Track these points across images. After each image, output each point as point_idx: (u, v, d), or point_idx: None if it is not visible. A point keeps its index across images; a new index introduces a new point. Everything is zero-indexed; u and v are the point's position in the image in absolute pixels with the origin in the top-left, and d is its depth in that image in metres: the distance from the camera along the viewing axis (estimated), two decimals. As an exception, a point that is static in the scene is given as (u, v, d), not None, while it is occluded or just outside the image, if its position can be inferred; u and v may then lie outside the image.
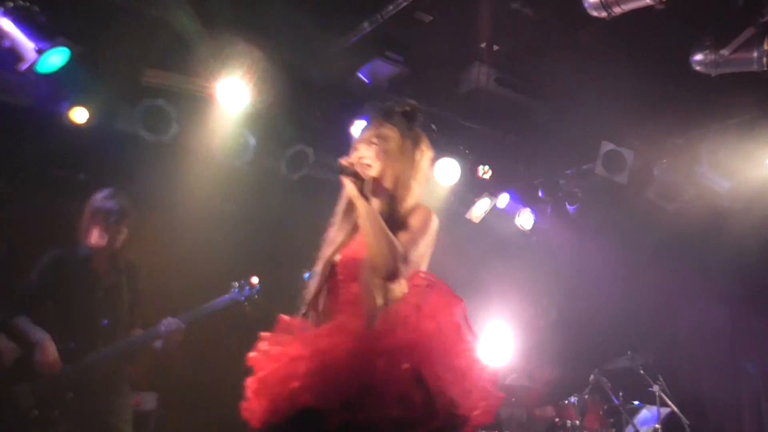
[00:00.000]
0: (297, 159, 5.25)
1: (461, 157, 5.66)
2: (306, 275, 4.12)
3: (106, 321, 3.70)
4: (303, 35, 4.61)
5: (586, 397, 5.11)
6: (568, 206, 6.11)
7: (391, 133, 2.41)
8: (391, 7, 4.24)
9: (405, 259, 2.19)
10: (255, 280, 3.92)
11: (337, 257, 2.36)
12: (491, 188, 5.97)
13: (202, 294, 4.04)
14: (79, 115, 4.58)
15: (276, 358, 2.09)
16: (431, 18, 4.44)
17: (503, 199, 6.13)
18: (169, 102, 4.69)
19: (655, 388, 5.03)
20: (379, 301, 2.20)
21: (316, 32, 4.62)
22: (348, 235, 2.42)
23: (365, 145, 2.41)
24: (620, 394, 5.12)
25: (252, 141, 5.04)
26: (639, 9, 3.70)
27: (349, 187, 2.30)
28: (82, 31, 4.19)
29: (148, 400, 4.69)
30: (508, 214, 6.28)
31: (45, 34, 3.89)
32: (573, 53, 4.73)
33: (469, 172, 5.74)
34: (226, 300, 3.85)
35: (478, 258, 6.43)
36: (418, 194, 2.45)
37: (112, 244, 3.81)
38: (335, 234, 2.46)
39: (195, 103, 4.81)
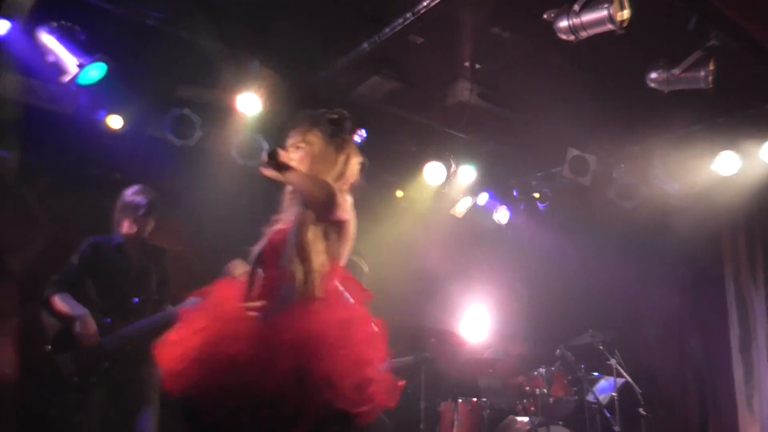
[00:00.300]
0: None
1: (447, 161, 5.64)
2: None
3: (137, 299, 3.69)
4: (310, 55, 4.59)
5: (553, 368, 5.11)
6: (539, 204, 6.11)
7: (314, 138, 2.30)
8: (387, 30, 4.22)
9: (333, 192, 2.11)
10: None
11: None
12: (473, 188, 5.96)
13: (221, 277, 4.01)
14: (115, 121, 4.55)
15: (182, 331, 1.97)
16: (423, 40, 4.41)
17: (483, 198, 6.13)
18: (194, 111, 4.69)
19: (612, 361, 5.03)
20: (295, 288, 2.03)
21: (321, 52, 4.60)
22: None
23: (292, 149, 2.31)
24: (582, 366, 5.11)
25: (265, 145, 5.02)
26: (602, 33, 3.69)
27: (269, 172, 2.21)
28: (118, 48, 4.15)
29: None
30: (487, 210, 6.27)
31: (85, 50, 3.86)
32: (545, 71, 4.72)
33: (454, 174, 5.73)
34: None
35: (460, 249, 6.43)
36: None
37: (142, 233, 3.80)
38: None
39: (216, 112, 4.79)
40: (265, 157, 2.22)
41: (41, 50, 3.77)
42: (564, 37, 3.81)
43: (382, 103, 5.06)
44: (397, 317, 4.60)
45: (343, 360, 1.88)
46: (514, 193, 6.32)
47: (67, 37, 3.80)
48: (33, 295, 4.45)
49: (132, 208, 3.75)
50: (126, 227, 3.77)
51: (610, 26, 3.60)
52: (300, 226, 2.09)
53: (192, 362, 1.85)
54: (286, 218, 2.25)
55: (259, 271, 2.16)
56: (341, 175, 2.31)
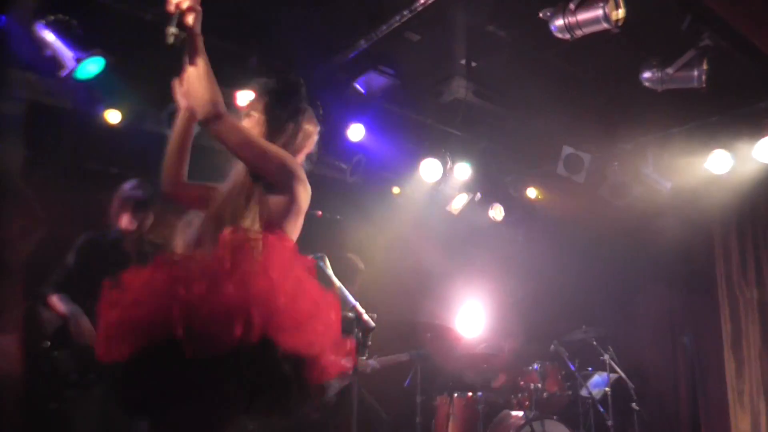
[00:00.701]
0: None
1: (443, 158, 5.68)
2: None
3: None
4: (309, 50, 4.62)
5: (547, 364, 5.16)
6: (533, 201, 6.17)
7: (263, 105, 2.23)
8: (384, 27, 4.25)
9: (219, 103, 1.96)
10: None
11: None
12: (468, 185, 6.00)
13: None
14: (112, 116, 4.53)
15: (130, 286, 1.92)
16: (419, 37, 4.45)
17: (478, 195, 6.17)
18: (193, 106, 4.68)
19: (606, 357, 5.10)
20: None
21: (318, 48, 4.63)
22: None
23: (246, 117, 2.24)
24: (576, 361, 5.17)
25: (263, 140, 5.03)
26: (597, 32, 3.74)
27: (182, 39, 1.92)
28: (115, 42, 4.15)
29: None
30: (482, 207, 6.32)
31: (83, 44, 3.85)
32: (540, 70, 4.77)
33: (449, 171, 5.77)
34: None
35: (456, 245, 6.47)
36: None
37: (140, 228, 3.76)
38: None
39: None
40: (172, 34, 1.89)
41: (38, 44, 3.77)
42: (559, 35, 3.85)
43: (378, 99, 5.09)
44: (394, 313, 4.68)
45: (293, 302, 1.79)
46: (509, 190, 6.37)
47: (64, 32, 3.79)
48: (31, 290, 4.47)
49: (131, 203, 3.72)
50: (125, 222, 3.73)
51: (605, 25, 3.65)
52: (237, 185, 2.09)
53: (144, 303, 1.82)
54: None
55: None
56: (290, 143, 2.21)
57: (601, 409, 4.99)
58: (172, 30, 1.87)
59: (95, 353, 1.85)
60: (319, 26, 4.36)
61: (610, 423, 4.89)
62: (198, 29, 1.93)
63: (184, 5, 1.89)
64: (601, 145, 5.55)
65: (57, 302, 3.53)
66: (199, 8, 1.92)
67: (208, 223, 2.08)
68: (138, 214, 3.73)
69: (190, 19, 1.90)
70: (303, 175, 2.15)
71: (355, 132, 5.24)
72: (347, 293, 3.69)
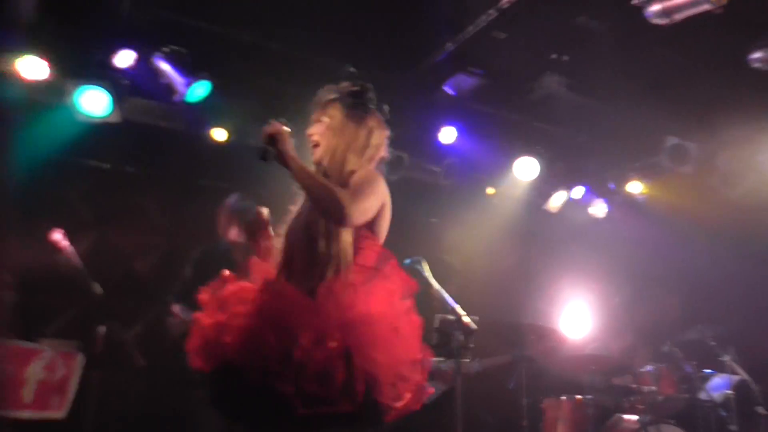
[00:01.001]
0: (394, 163, 5.33)
1: (539, 156, 5.59)
2: (407, 262, 4.22)
3: None
4: (398, 56, 4.72)
5: (661, 365, 4.91)
6: (636, 196, 5.92)
7: (334, 111, 2.22)
8: (471, 28, 4.28)
9: (347, 200, 1.94)
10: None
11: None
12: (566, 182, 5.86)
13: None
14: (219, 134, 4.84)
15: (223, 306, 1.98)
16: (506, 35, 4.43)
17: (578, 191, 6.01)
18: (289, 120, 4.87)
19: (726, 357, 4.78)
20: (330, 268, 1.97)
21: (408, 53, 4.72)
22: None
23: (315, 124, 2.24)
24: (692, 363, 4.89)
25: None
26: (698, 14, 3.57)
27: (273, 155, 2.03)
28: (219, 65, 4.47)
29: None
30: (582, 204, 6.14)
31: (191, 70, 4.19)
32: (636, 58, 4.59)
33: (546, 169, 5.66)
34: None
35: (557, 244, 6.34)
36: (358, 165, 2.19)
37: (245, 239, 3.96)
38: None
39: (310, 120, 4.98)
40: (261, 152, 2.06)
41: (156, 74, 4.15)
42: (656, 21, 3.71)
43: (468, 100, 5.10)
44: (495, 314, 4.65)
45: (389, 351, 1.81)
46: (610, 186, 6.14)
47: (176, 60, 4.14)
48: (155, 297, 4.87)
49: (238, 216, 3.91)
50: (233, 234, 3.93)
51: (706, 6, 3.48)
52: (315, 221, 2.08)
53: (239, 334, 1.85)
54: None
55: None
56: (363, 150, 2.21)
57: (723, 413, 4.68)
58: (267, 148, 2.06)
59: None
60: (407, 31, 4.45)
61: (733, 428, 4.57)
62: (286, 149, 2.05)
63: (269, 131, 2.06)
64: (709, 133, 5.24)
65: (180, 312, 3.79)
66: (285, 131, 2.08)
67: (299, 243, 2.11)
68: (246, 227, 3.92)
69: (278, 141, 2.05)
70: (382, 187, 2.18)
71: (447, 135, 5.28)
72: (447, 295, 3.72)
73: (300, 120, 5.13)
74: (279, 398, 1.71)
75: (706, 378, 4.97)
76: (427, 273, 4.14)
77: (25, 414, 3.20)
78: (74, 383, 3.32)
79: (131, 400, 4.73)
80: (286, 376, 1.72)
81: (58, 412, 3.24)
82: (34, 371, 3.27)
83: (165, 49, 4.10)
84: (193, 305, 3.73)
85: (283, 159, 2.02)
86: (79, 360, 3.39)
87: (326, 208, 1.97)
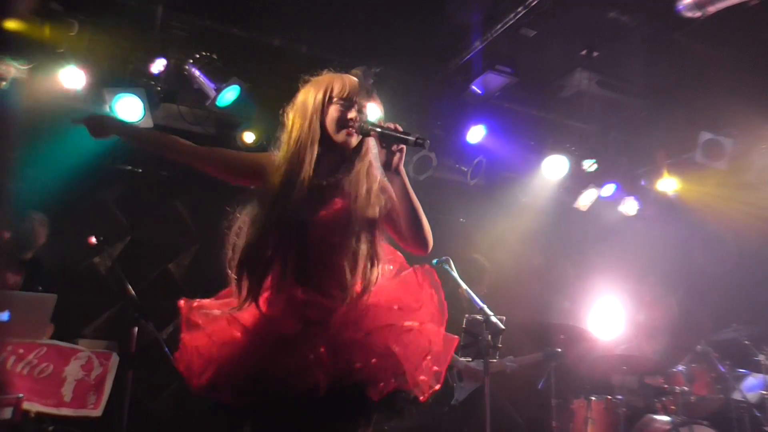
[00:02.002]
0: (422, 163, 5.31)
1: (568, 153, 5.49)
2: (434, 262, 4.19)
3: None
4: (426, 57, 4.69)
5: (694, 365, 4.79)
6: (669, 193, 5.76)
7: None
8: (499, 26, 4.22)
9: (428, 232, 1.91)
10: (390, 266, 3.97)
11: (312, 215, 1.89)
12: (596, 179, 5.75)
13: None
14: (248, 137, 4.89)
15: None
16: (535, 33, 4.36)
17: (608, 189, 5.88)
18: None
19: (761, 357, 4.63)
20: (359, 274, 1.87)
21: (436, 54, 4.68)
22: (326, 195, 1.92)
23: (355, 108, 1.95)
24: (726, 363, 4.75)
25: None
26: (732, 6, 3.44)
27: (397, 156, 1.87)
28: (248, 69, 4.50)
29: None
30: (613, 202, 6.01)
31: (221, 75, 4.23)
32: (668, 53, 4.49)
33: (575, 166, 5.56)
34: None
35: (587, 242, 6.23)
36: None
37: None
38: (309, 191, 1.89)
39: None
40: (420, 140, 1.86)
41: (188, 80, 4.20)
42: (689, 14, 3.61)
43: (497, 99, 5.04)
44: (524, 314, 4.60)
45: (416, 347, 1.78)
46: (642, 183, 6.00)
47: (206, 66, 4.19)
48: (189, 297, 4.94)
49: None
50: None
51: (741, -3, 3.36)
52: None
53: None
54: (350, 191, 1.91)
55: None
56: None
57: (758, 414, 4.53)
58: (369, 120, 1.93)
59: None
60: (435, 32, 4.42)
61: (769, 429, 4.43)
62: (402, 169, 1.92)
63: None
64: (745, 128, 5.08)
65: None
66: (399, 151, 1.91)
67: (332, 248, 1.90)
68: None
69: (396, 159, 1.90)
70: None
71: (475, 134, 5.22)
72: (474, 296, 3.69)
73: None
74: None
75: (741, 378, 4.84)
76: (455, 273, 4.11)
77: (65, 411, 3.27)
78: (110, 382, 3.39)
79: (164, 398, 4.82)
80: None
81: (95, 410, 3.31)
82: (73, 370, 3.34)
83: (196, 56, 4.15)
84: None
85: (401, 167, 1.91)
86: (114, 359, 3.45)
87: (423, 226, 1.92)
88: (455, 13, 4.27)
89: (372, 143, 1.97)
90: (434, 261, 4.17)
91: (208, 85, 4.18)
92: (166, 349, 3.52)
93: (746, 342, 4.75)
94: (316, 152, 1.90)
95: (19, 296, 3.24)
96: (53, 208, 4.55)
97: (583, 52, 4.64)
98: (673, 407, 4.65)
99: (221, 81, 4.20)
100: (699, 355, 4.88)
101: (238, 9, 4.20)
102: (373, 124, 1.91)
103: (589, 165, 5.62)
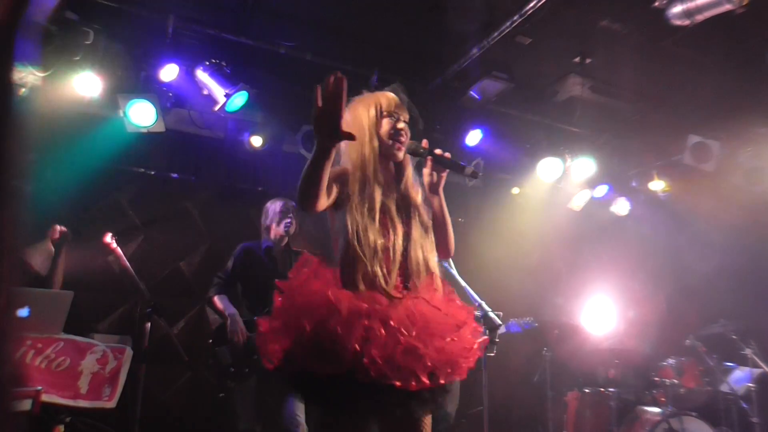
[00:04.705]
0: (421, 165, 5.29)
1: (562, 156, 5.48)
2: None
3: None
4: (424, 63, 4.68)
5: (683, 359, 4.78)
6: (659, 194, 5.75)
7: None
8: (495, 34, 4.21)
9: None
10: None
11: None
12: (589, 181, 5.73)
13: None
14: (256, 141, 4.89)
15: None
16: (530, 40, 4.35)
17: (601, 190, 5.87)
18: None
19: (748, 351, 4.63)
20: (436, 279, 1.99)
21: (434, 60, 4.68)
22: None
23: (402, 120, 2.07)
24: (714, 356, 4.74)
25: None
26: (719, 15, 3.44)
27: (442, 179, 2.05)
28: (255, 76, 4.50)
29: None
30: (605, 202, 6.00)
31: (230, 82, 4.23)
32: (659, 59, 4.47)
33: (569, 169, 5.55)
34: None
35: (580, 242, 6.21)
36: None
37: (286, 237, 3.99)
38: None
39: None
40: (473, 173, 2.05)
41: (198, 86, 4.20)
42: (678, 22, 3.60)
43: (493, 103, 5.03)
44: (519, 311, 4.58)
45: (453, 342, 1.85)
46: (633, 184, 5.98)
47: (216, 72, 4.19)
48: (198, 295, 4.94)
49: (276, 217, 3.97)
50: (272, 233, 3.99)
51: (728, 6, 3.35)
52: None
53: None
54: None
55: None
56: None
57: (745, 406, 4.52)
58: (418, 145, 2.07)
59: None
60: (434, 40, 4.41)
61: (755, 420, 4.42)
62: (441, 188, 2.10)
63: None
64: (731, 131, 5.06)
65: (219, 302, 3.84)
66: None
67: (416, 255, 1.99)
68: (283, 226, 3.96)
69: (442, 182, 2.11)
70: None
71: (473, 137, 5.22)
72: (472, 292, 3.68)
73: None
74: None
75: (728, 371, 4.83)
76: (454, 270, 4.11)
77: (82, 403, 3.26)
78: (123, 375, 3.38)
79: (175, 391, 4.82)
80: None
81: (109, 402, 3.30)
82: (89, 364, 3.34)
83: (206, 63, 4.15)
84: (231, 296, 3.82)
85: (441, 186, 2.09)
86: (128, 353, 3.45)
87: (451, 238, 2.12)
88: (454, 22, 4.26)
89: (409, 161, 2.12)
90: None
91: (218, 90, 4.18)
92: (177, 343, 3.53)
93: (733, 336, 4.75)
94: (377, 162, 2.02)
95: (37, 293, 3.24)
96: (70, 209, 4.56)
97: (577, 59, 4.63)
98: (663, 399, 4.64)
99: (230, 87, 4.19)
100: (688, 349, 4.88)
101: (245, 19, 4.20)
102: (431, 151, 2.07)
103: (582, 167, 5.61)
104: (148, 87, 4.21)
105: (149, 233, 4.98)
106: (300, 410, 3.69)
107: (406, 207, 2.04)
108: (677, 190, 5.70)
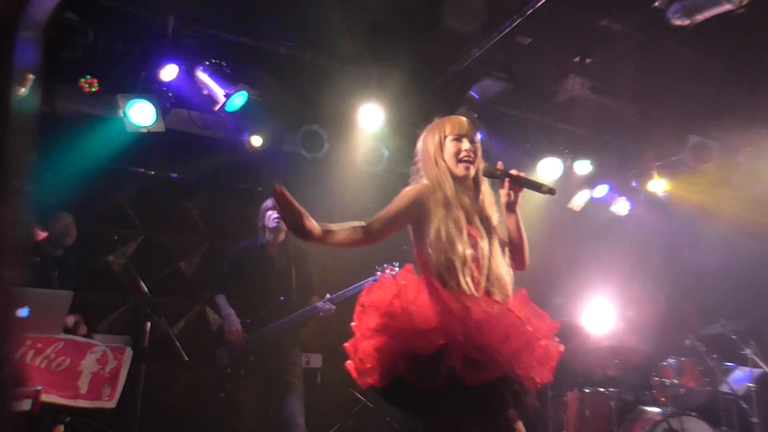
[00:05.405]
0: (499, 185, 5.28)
1: (562, 156, 5.48)
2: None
3: (283, 297, 3.83)
4: (425, 64, 4.67)
5: (683, 359, 4.77)
6: (659, 194, 5.74)
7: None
8: (495, 34, 4.20)
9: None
10: (396, 263, 3.98)
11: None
12: (589, 181, 5.73)
13: (353, 274, 4.18)
14: (256, 141, 4.88)
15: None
16: (530, 40, 4.35)
17: (601, 190, 5.87)
18: (322, 127, 4.88)
19: (748, 351, 4.62)
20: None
21: (434, 60, 4.67)
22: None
23: (471, 140, 2.27)
24: (714, 356, 4.74)
25: (386, 153, 5.15)
26: (719, 14, 3.43)
27: (519, 198, 2.23)
28: (255, 76, 4.50)
29: (315, 360, 4.78)
30: (605, 202, 5.99)
31: (230, 82, 4.22)
32: (659, 59, 4.47)
33: (569, 169, 5.54)
34: (372, 280, 3.87)
35: (580, 242, 6.21)
36: None
37: (279, 233, 3.94)
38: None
39: (341, 125, 4.98)
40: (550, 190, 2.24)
41: (198, 86, 4.19)
42: (678, 22, 3.59)
43: (494, 103, 5.03)
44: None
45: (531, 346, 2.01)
46: (633, 184, 5.98)
47: (216, 73, 4.18)
48: (198, 295, 4.95)
49: (266, 213, 3.96)
50: (266, 231, 3.96)
51: (727, 6, 3.35)
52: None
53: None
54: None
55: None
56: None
57: (745, 406, 4.52)
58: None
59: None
60: (434, 39, 4.40)
61: (755, 420, 4.41)
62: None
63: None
64: (731, 132, 5.06)
65: (217, 303, 3.83)
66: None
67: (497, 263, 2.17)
68: (274, 226, 3.94)
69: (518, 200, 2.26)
70: None
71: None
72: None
73: (331, 125, 5.16)
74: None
75: (728, 371, 4.83)
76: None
77: (81, 403, 3.26)
78: (123, 375, 3.38)
79: (175, 390, 4.82)
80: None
81: (109, 402, 3.30)
82: (89, 364, 3.34)
83: (206, 63, 4.14)
84: (231, 296, 3.82)
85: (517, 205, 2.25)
86: (128, 353, 3.45)
87: (527, 252, 2.29)
88: (454, 23, 4.25)
89: (486, 181, 2.28)
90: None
91: (218, 90, 4.17)
92: (177, 343, 3.53)
93: (733, 336, 4.74)
94: (452, 182, 2.18)
95: (37, 293, 3.23)
96: (70, 209, 4.56)
97: (577, 59, 4.62)
98: (663, 399, 4.64)
99: (230, 87, 4.19)
100: (688, 349, 4.87)
101: (245, 19, 4.19)
102: (507, 172, 2.22)
103: (583, 167, 5.61)
104: (148, 87, 4.21)
105: (149, 233, 4.97)
106: (299, 411, 3.69)
107: (485, 222, 2.20)
108: (677, 190, 5.69)
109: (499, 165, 2.26)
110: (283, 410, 3.68)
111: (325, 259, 5.61)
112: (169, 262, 5.02)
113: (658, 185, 5.82)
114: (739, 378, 4.76)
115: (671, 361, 4.79)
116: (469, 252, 2.06)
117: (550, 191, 2.22)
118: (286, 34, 4.35)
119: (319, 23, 4.25)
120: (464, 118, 2.33)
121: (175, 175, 5.09)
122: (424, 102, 5.07)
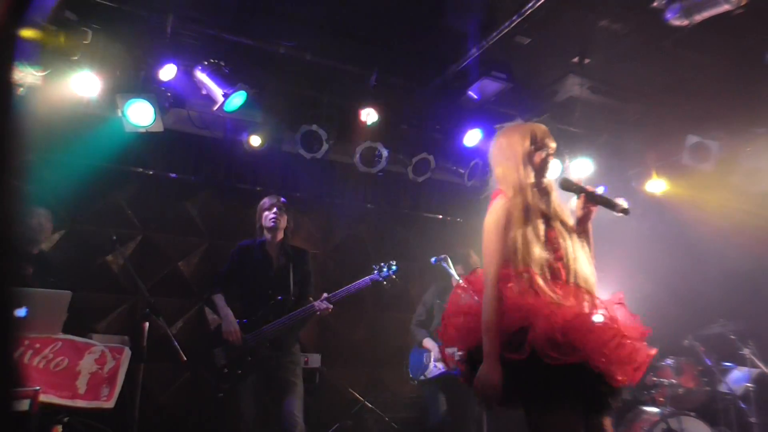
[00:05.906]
0: (421, 165, 5.31)
1: (561, 156, 5.48)
2: (433, 260, 4.18)
3: (281, 297, 3.82)
4: (423, 64, 4.68)
5: (681, 359, 4.78)
6: (658, 194, 5.75)
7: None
8: (494, 34, 4.21)
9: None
10: (393, 263, 3.98)
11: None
12: (589, 181, 5.73)
13: (351, 273, 4.18)
14: (255, 141, 4.89)
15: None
16: (529, 40, 4.35)
17: (599, 190, 5.86)
18: (320, 127, 4.88)
19: (746, 351, 4.63)
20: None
21: (433, 61, 4.67)
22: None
23: (551, 148, 2.34)
24: (712, 356, 4.74)
25: (385, 152, 5.16)
26: (717, 15, 3.44)
27: (593, 213, 2.32)
28: (254, 76, 4.50)
29: (314, 360, 4.78)
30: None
31: (229, 82, 4.22)
32: (658, 60, 4.47)
33: (568, 168, 5.55)
34: (369, 280, 3.92)
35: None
36: None
37: (277, 232, 3.93)
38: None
39: (340, 125, 4.98)
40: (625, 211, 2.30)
41: (197, 86, 4.19)
42: (676, 22, 3.60)
43: (492, 103, 5.03)
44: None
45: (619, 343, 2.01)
46: (632, 184, 5.98)
47: (215, 73, 4.18)
48: (197, 294, 4.94)
49: (263, 212, 3.94)
50: (265, 232, 3.95)
51: (726, 6, 3.35)
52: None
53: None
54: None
55: None
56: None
57: (743, 406, 4.53)
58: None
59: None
60: (433, 39, 4.41)
61: (753, 420, 4.43)
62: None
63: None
64: (730, 132, 5.07)
65: (216, 302, 3.83)
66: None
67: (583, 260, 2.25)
68: (273, 224, 3.93)
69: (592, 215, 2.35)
70: None
71: (471, 137, 5.22)
72: (471, 290, 3.67)
73: (330, 125, 5.15)
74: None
75: (726, 371, 4.84)
76: (452, 270, 4.12)
77: (80, 403, 3.26)
78: (122, 375, 3.38)
79: (174, 390, 4.81)
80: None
81: (107, 402, 3.29)
82: (87, 364, 3.33)
83: (204, 63, 4.14)
84: (230, 296, 3.81)
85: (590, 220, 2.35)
86: (127, 353, 3.44)
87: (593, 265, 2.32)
88: (453, 22, 4.25)
89: (555, 188, 2.36)
90: (433, 259, 4.18)
91: (217, 90, 4.17)
92: (175, 343, 3.52)
93: (732, 336, 4.75)
94: (533, 188, 2.26)
95: (35, 293, 3.23)
96: (69, 209, 4.55)
97: (576, 59, 4.62)
98: (661, 399, 4.65)
99: (229, 87, 4.19)
100: (686, 349, 4.88)
101: (244, 18, 4.19)
102: (584, 188, 2.31)
103: (582, 167, 5.61)
104: (146, 87, 4.20)
105: (148, 233, 4.97)
106: (298, 410, 3.69)
107: (566, 225, 2.28)
108: (676, 190, 5.70)
109: (578, 180, 2.35)
110: (282, 410, 3.67)
111: (324, 259, 5.62)
112: (167, 262, 5.02)
113: (657, 185, 5.83)
114: (738, 378, 4.77)
115: (670, 361, 4.79)
116: (546, 256, 2.13)
117: (624, 211, 2.27)
118: (285, 34, 4.36)
119: (319, 23, 4.25)
120: (546, 128, 2.39)
121: (173, 175, 5.09)
122: (423, 102, 5.08)
